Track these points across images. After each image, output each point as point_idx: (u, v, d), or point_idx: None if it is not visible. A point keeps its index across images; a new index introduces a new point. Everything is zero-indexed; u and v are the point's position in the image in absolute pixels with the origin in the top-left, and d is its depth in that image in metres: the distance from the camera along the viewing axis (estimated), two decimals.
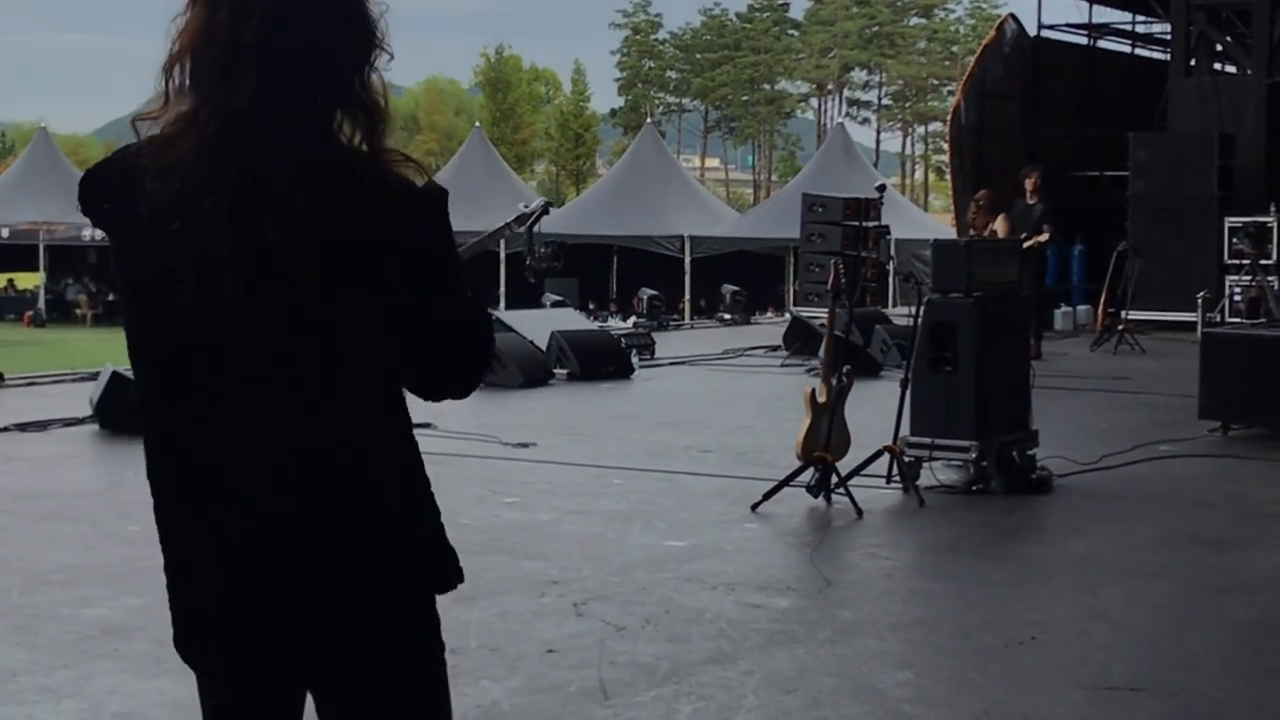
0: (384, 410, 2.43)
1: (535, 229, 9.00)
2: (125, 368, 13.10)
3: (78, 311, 43.00)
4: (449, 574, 2.51)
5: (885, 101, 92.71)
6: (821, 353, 9.82)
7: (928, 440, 9.20)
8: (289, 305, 2.29)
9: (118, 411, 11.29)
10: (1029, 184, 17.58)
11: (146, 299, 2.38)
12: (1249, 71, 23.01)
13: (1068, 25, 26.36)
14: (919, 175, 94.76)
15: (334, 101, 2.36)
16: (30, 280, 44.85)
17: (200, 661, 2.49)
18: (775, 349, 18.51)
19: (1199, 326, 18.66)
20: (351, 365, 2.35)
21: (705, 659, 5.71)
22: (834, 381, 8.94)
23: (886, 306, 23.53)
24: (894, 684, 5.46)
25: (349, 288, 2.29)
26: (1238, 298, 19.86)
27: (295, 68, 2.32)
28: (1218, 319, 18.99)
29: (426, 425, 9.44)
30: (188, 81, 2.34)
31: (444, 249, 2.38)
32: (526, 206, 7.25)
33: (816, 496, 8.66)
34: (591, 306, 34.47)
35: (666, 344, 19.13)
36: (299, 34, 2.32)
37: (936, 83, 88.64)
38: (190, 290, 2.27)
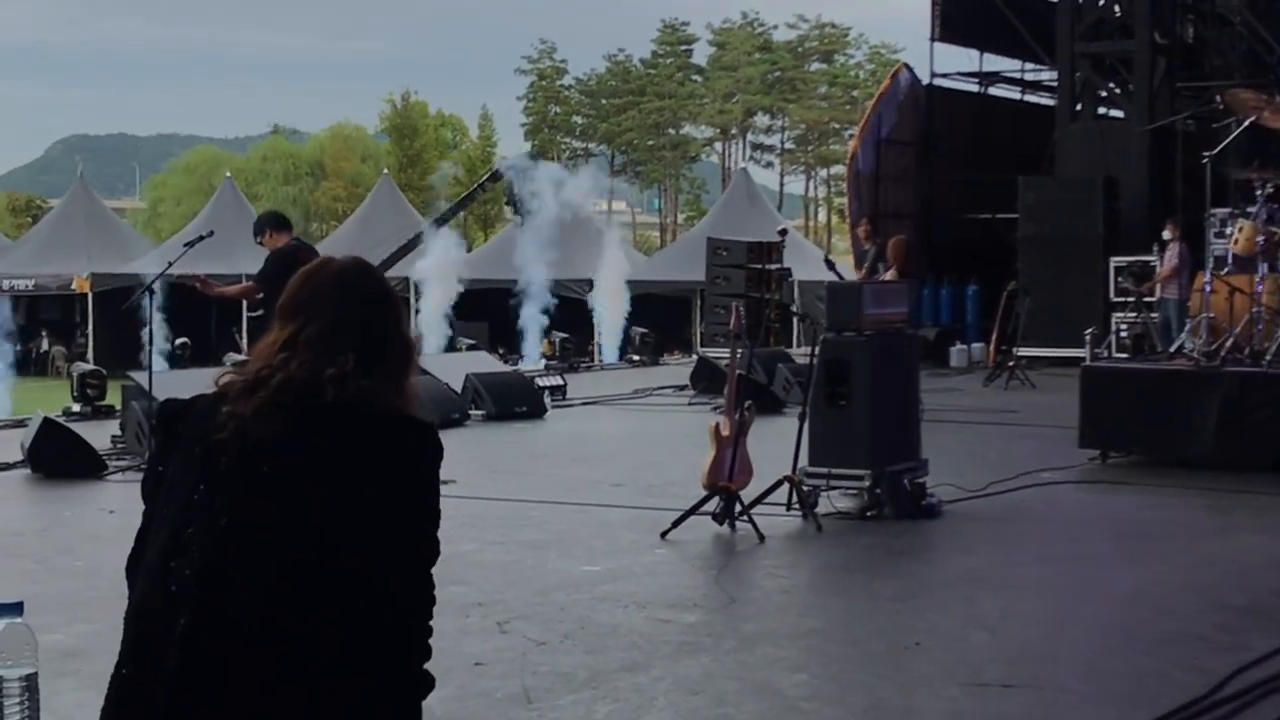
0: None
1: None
2: (57, 414, 13.51)
3: None
4: None
5: (788, 145, 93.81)
6: (726, 391, 10.39)
7: (825, 470, 9.74)
8: (312, 572, 2.63)
9: (50, 456, 11.67)
10: (861, 232, 20.21)
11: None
12: (1132, 117, 23.93)
13: (960, 74, 27.25)
14: (822, 217, 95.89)
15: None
16: None
17: None
18: (682, 388, 19.12)
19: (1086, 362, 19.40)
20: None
21: (620, 667, 6.25)
22: (736, 416, 9.51)
23: (790, 346, 24.12)
24: (791, 685, 6.04)
25: (359, 545, 2.63)
26: (1123, 334, 20.65)
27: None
28: (1105, 354, 19.69)
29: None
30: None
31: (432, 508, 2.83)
32: (505, 158, 7.89)
33: (721, 524, 9.23)
34: (501, 350, 34.77)
35: (578, 385, 19.65)
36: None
37: (838, 126, 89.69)
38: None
